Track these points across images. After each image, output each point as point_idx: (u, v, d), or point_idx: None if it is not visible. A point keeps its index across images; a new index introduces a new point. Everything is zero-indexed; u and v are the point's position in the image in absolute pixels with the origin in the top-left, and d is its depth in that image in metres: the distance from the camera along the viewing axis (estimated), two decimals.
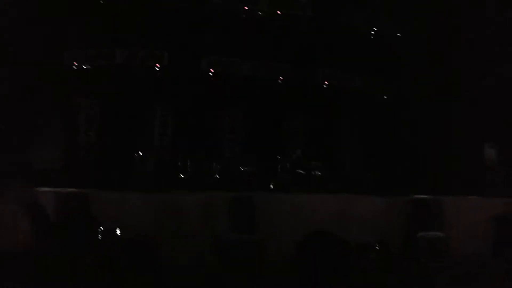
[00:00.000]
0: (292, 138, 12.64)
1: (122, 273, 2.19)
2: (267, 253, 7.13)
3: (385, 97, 13.18)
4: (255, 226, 7.51)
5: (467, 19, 11.77)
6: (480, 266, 6.94)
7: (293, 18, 12.23)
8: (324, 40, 12.24)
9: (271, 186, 10.13)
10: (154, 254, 2.31)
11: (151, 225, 7.12)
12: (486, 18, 11.53)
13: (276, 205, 8.19)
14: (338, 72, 12.65)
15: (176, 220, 7.47)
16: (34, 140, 10.28)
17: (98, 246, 2.87)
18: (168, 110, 11.84)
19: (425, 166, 11.58)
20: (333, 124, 12.91)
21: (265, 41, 11.95)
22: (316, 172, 10.78)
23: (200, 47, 11.51)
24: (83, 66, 10.96)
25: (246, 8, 11.80)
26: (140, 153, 10.16)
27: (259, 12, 11.96)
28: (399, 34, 13.01)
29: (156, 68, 11.24)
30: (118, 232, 3.60)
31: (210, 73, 11.60)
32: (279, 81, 12.16)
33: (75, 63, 10.90)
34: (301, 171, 10.72)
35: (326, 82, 12.54)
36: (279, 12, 12.11)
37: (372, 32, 12.89)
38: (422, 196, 8.88)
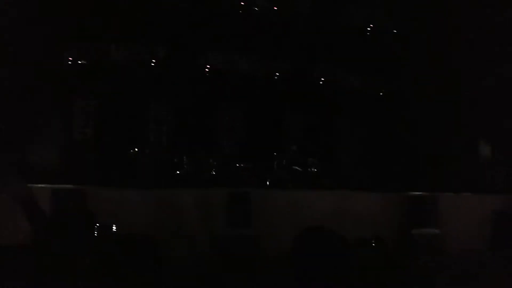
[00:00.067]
0: (289, 134, 12.65)
1: (119, 270, 2.19)
2: (263, 249, 7.14)
3: (381, 94, 13.21)
4: (252, 222, 7.51)
5: (466, 18, 11.79)
6: (475, 262, 6.98)
7: (289, 14, 12.21)
8: (321, 36, 12.24)
9: (268, 183, 10.14)
10: (152, 252, 2.31)
11: (148, 221, 7.12)
12: (485, 17, 11.54)
13: (272, 201, 8.21)
14: (335, 69, 12.66)
15: (172, 216, 7.47)
16: (30, 137, 10.24)
17: (95, 243, 2.88)
18: (165, 106, 11.82)
19: (421, 163, 11.61)
20: (329, 121, 12.93)
21: (262, 38, 11.93)
22: (313, 169, 10.80)
23: (197, 43, 11.48)
24: (79, 62, 10.91)
25: (242, 3, 11.77)
26: (137, 150, 10.14)
27: (255, 8, 11.93)
28: (395, 31, 13.02)
29: (152, 64, 11.20)
30: (114, 228, 3.59)
31: (206, 70, 11.58)
32: (276, 77, 12.15)
33: (70, 58, 10.84)
34: (297, 168, 10.73)
35: (322, 79, 12.54)
36: (275, 8, 12.09)
37: (369, 29, 12.90)
38: (418, 193, 8.91)
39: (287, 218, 7.60)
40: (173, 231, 7.14)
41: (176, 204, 7.72)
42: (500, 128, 11.49)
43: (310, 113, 12.44)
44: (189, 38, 11.30)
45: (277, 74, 12.16)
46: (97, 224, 3.06)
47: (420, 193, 8.91)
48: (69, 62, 10.85)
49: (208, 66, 11.61)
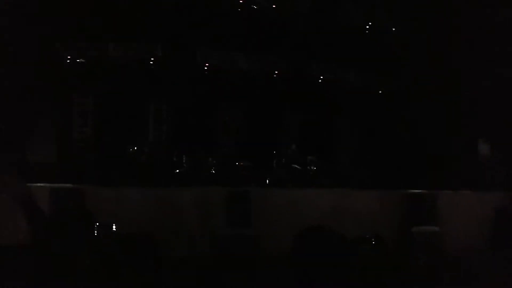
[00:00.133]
0: (288, 133, 12.66)
1: (119, 270, 2.19)
2: (263, 248, 7.14)
3: (380, 92, 13.21)
4: (251, 221, 7.51)
5: (466, 17, 11.79)
6: (475, 260, 6.99)
7: (289, 13, 12.20)
8: (320, 34, 12.23)
9: (267, 181, 10.14)
10: (152, 251, 2.30)
11: (147, 220, 7.11)
12: (485, 16, 11.54)
13: (272, 200, 8.20)
14: (334, 67, 12.66)
15: (172, 215, 7.46)
16: (29, 136, 10.23)
17: (94, 242, 2.87)
18: (164, 106, 11.82)
19: (420, 161, 11.62)
20: (329, 120, 12.94)
21: (261, 37, 11.92)
22: (312, 167, 10.79)
23: (196, 41, 11.46)
24: (78, 61, 10.88)
25: (241, 2, 11.75)
26: (136, 149, 10.13)
27: (254, 6, 11.91)
28: (394, 30, 13.01)
29: (151, 63, 11.18)
30: (114, 228, 3.58)
31: (205, 68, 11.56)
32: (275, 76, 12.14)
33: (69, 56, 10.82)
34: (296, 166, 10.73)
35: (321, 78, 12.54)
36: (274, 6, 12.08)
37: (368, 28, 12.89)
38: (417, 191, 8.91)
39: (287, 217, 7.59)
40: (173, 230, 7.13)
41: (176, 203, 7.71)
42: (499, 127, 11.50)
43: (309, 112, 12.44)
44: (189, 38, 11.28)
45: (276, 73, 12.15)
46: (97, 224, 3.05)
47: (420, 191, 8.91)
48: (68, 61, 10.83)
49: (207, 65, 11.59)
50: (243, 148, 11.61)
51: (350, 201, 8.45)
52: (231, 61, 11.83)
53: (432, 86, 12.20)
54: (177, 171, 10.14)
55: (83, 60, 10.91)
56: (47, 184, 7.06)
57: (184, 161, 10.29)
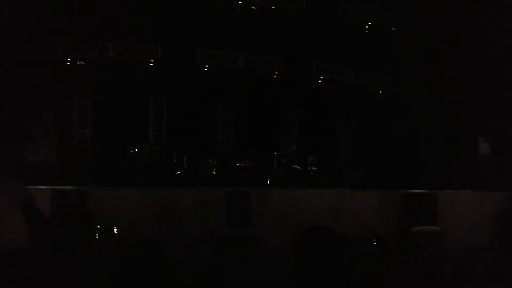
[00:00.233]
0: (288, 133, 12.66)
1: (119, 271, 2.19)
2: (263, 248, 7.13)
3: (380, 92, 13.21)
4: (251, 221, 7.50)
5: (465, 17, 11.79)
6: (475, 260, 6.98)
7: (287, 12, 12.19)
8: (319, 34, 12.23)
9: (268, 182, 10.14)
10: (156, 257, 2.30)
11: (148, 221, 7.11)
12: (483, 15, 11.54)
13: (272, 200, 8.20)
14: (334, 67, 12.66)
15: (172, 216, 7.46)
16: (27, 137, 10.23)
17: (95, 243, 2.86)
18: (164, 106, 11.82)
19: (420, 161, 11.62)
20: (328, 119, 12.94)
21: (260, 36, 11.92)
22: (312, 167, 10.79)
23: (195, 41, 11.46)
24: (77, 62, 10.88)
25: (240, 2, 11.75)
26: (136, 150, 10.13)
27: (253, 7, 11.91)
28: (393, 29, 13.01)
29: (151, 62, 11.18)
30: (116, 230, 3.57)
31: (205, 68, 11.56)
32: (275, 76, 12.14)
33: (69, 58, 10.81)
34: (297, 167, 10.73)
35: (321, 77, 12.54)
36: (273, 7, 12.08)
37: (366, 27, 12.89)
38: (417, 191, 8.90)
39: (287, 217, 7.59)
40: (173, 231, 7.13)
41: (176, 204, 7.71)
42: (499, 127, 11.50)
43: (309, 112, 12.44)
44: (189, 38, 11.29)
45: (276, 73, 12.15)
46: (98, 226, 3.05)
47: (420, 191, 8.90)
48: (68, 62, 10.83)
49: (207, 66, 11.60)
50: (244, 149, 11.61)
51: (350, 201, 8.45)
52: (231, 61, 11.83)
53: (432, 86, 12.20)
54: (178, 172, 10.14)
55: (83, 63, 10.91)
56: (48, 186, 7.06)
57: (184, 162, 10.29)
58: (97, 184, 8.14)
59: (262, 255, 6.98)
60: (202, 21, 11.28)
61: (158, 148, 11.17)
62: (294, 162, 10.88)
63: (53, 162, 10.24)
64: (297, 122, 12.77)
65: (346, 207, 8.23)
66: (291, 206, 8.03)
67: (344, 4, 12.68)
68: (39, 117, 10.58)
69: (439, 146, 11.88)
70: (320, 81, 12.54)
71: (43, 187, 6.84)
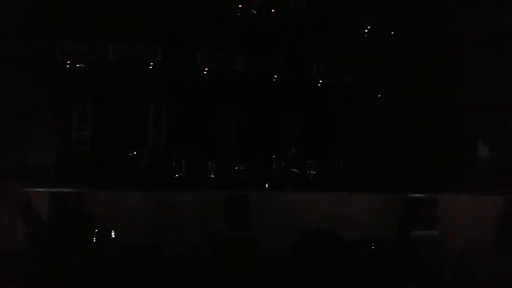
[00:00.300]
0: (287, 137, 12.66)
1: (118, 273, 2.19)
2: (263, 251, 7.12)
3: (379, 95, 13.22)
4: (250, 225, 7.50)
5: (465, 17, 11.80)
6: (475, 264, 6.97)
7: (286, 16, 12.21)
8: (318, 37, 12.24)
9: (267, 185, 10.14)
10: (156, 260, 2.30)
11: (147, 223, 7.10)
12: (484, 16, 11.56)
13: (271, 203, 8.19)
14: (333, 70, 12.67)
15: (171, 219, 7.45)
16: (26, 139, 10.22)
17: (93, 246, 2.86)
18: (163, 109, 11.82)
19: (419, 164, 11.62)
20: (328, 123, 12.94)
21: (260, 39, 11.94)
22: (311, 171, 10.80)
23: (195, 43, 11.47)
24: (77, 65, 10.88)
25: (240, 6, 11.77)
26: (136, 152, 10.13)
27: (253, 10, 11.92)
28: (392, 32, 13.03)
29: (150, 65, 11.18)
30: (113, 234, 3.56)
31: (205, 71, 11.57)
32: (274, 79, 12.15)
33: (68, 61, 10.81)
34: (296, 170, 10.73)
35: (321, 80, 12.55)
36: (272, 11, 12.09)
37: (366, 30, 12.90)
38: (416, 195, 8.90)
39: (287, 221, 7.58)
40: (172, 234, 7.12)
41: (175, 207, 7.70)
42: (499, 128, 11.50)
43: (308, 115, 12.45)
44: (188, 40, 11.30)
45: (276, 76, 12.16)
46: (96, 230, 3.04)
47: (419, 195, 8.90)
48: (67, 65, 10.83)
49: (207, 69, 11.60)
50: (243, 152, 11.61)
51: (349, 205, 8.44)
52: (230, 64, 11.84)
53: (432, 90, 12.21)
54: (177, 175, 10.14)
55: (82, 65, 10.91)
56: (46, 189, 7.04)
57: (183, 165, 10.29)
58: (96, 186, 8.12)
59: (261, 258, 6.97)
60: (202, 24, 11.30)
61: (158, 150, 11.17)
62: (293, 166, 10.88)
63: (53, 164, 10.23)
64: (297, 125, 12.77)
65: (345, 210, 8.22)
66: (290, 209, 8.02)
67: (344, 7, 12.69)
68: (39, 119, 10.58)
69: (439, 149, 11.88)
70: (319, 84, 12.54)
71: (42, 189, 6.83)
